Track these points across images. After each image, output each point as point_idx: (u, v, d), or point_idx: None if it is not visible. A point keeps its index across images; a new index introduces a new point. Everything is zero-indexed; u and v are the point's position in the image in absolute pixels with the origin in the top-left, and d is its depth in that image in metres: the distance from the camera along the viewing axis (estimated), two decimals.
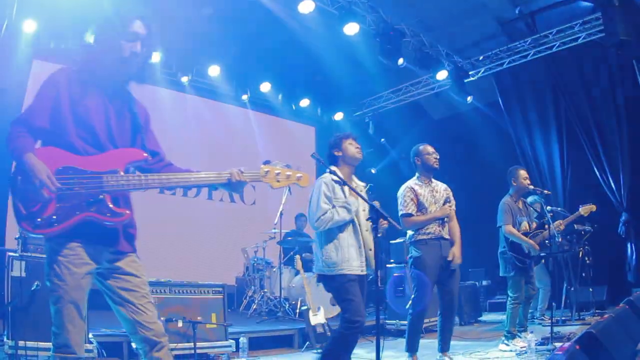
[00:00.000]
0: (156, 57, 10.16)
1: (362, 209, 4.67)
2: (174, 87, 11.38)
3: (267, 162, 3.09)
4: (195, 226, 11.19)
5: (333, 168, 4.60)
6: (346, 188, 4.59)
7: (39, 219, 2.61)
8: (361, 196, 4.37)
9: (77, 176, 2.69)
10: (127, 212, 2.80)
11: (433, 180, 5.76)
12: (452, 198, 5.76)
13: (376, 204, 3.98)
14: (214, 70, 11.54)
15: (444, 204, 5.63)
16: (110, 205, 2.72)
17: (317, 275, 4.72)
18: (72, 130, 2.78)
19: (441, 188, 5.76)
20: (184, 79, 11.35)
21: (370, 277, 4.70)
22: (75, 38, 9.53)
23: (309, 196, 4.72)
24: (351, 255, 4.49)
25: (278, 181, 3.03)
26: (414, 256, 5.50)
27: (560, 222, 6.78)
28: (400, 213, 5.51)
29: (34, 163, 2.61)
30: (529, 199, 7.75)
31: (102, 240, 2.79)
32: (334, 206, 4.51)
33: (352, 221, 4.57)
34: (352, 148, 4.76)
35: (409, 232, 5.63)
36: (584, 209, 6.96)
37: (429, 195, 5.58)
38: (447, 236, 5.58)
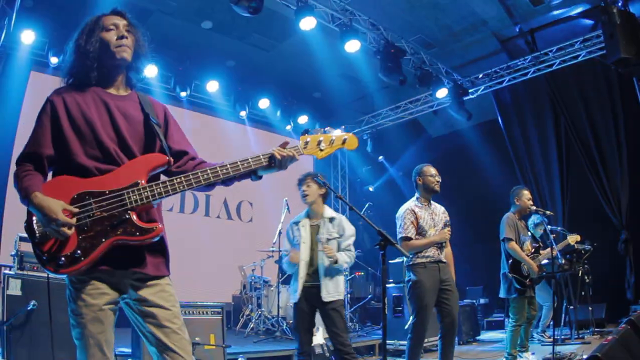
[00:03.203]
0: (154, 72, 10.09)
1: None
2: (172, 101, 11.20)
3: (305, 132, 2.87)
4: (192, 242, 11.02)
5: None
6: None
7: (62, 259, 2.28)
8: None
9: (96, 200, 2.36)
10: (158, 225, 2.45)
11: (432, 202, 5.65)
12: (448, 222, 5.67)
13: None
14: (213, 86, 11.51)
15: (442, 228, 5.53)
16: (138, 223, 2.40)
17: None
18: (78, 150, 2.46)
19: (440, 211, 5.64)
20: (183, 94, 11.20)
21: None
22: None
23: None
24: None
25: (322, 150, 2.84)
26: (412, 279, 5.35)
27: (552, 249, 6.72)
28: (399, 236, 5.39)
29: (41, 203, 2.27)
30: (531, 220, 7.70)
31: (123, 265, 2.42)
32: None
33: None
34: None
35: None
36: (572, 238, 7.15)
37: (428, 219, 5.46)
38: (444, 260, 5.47)
